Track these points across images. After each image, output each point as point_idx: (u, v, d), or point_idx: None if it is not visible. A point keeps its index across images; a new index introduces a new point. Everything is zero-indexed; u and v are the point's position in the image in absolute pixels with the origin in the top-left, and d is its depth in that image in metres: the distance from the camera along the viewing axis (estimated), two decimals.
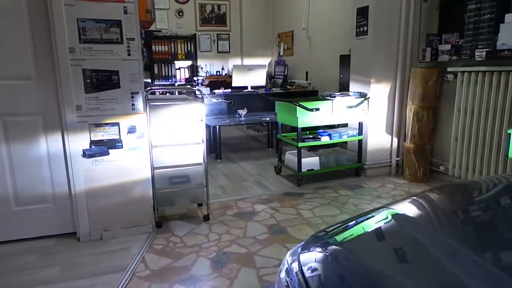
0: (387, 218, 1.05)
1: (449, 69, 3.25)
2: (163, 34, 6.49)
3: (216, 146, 4.55)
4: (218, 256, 2.23)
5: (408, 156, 3.58)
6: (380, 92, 3.64)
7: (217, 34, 7.20)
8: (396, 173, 3.81)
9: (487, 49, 2.79)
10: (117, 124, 2.38)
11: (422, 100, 3.37)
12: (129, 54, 2.32)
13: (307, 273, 0.87)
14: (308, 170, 3.52)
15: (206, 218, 2.74)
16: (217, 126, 4.42)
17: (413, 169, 3.54)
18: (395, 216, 1.05)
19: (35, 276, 2.05)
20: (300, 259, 0.93)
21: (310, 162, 3.54)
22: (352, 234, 1.04)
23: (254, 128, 6.45)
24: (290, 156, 3.68)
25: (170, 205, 2.80)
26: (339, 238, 1.02)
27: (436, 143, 3.56)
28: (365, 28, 3.53)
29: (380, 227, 1.04)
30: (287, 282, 0.92)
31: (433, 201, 1.19)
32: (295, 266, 0.93)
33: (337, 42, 5.03)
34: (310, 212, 2.87)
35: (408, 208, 1.13)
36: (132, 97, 2.39)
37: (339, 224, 1.08)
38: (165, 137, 2.61)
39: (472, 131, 3.07)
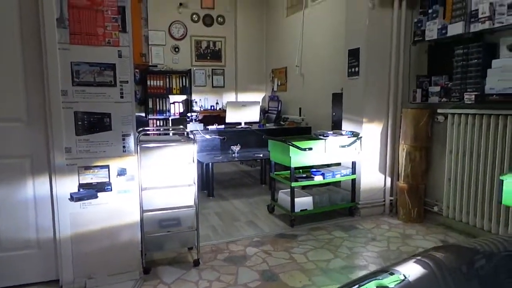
0: None
1: (439, 111, 3.30)
2: (158, 69, 6.58)
3: (209, 183, 4.50)
4: None
5: (401, 196, 3.55)
6: (372, 132, 3.66)
7: (212, 69, 7.32)
8: (390, 213, 3.76)
9: (476, 93, 2.84)
10: (107, 166, 2.35)
11: (414, 140, 3.39)
12: (122, 97, 2.32)
13: None
14: (301, 210, 3.47)
15: (196, 263, 2.65)
16: (210, 163, 4.38)
17: (407, 209, 3.51)
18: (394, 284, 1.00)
19: None
20: None
21: (304, 202, 3.50)
22: None
23: (247, 163, 6.42)
24: (283, 195, 3.63)
25: (159, 249, 2.71)
26: None
27: (429, 183, 3.55)
28: (356, 69, 3.61)
29: None
30: None
31: (439, 262, 1.14)
32: None
33: (329, 80, 5.12)
34: (303, 257, 2.80)
35: (412, 271, 1.08)
36: (124, 139, 2.36)
37: None
38: (156, 179, 2.57)
39: (464, 173, 3.07)
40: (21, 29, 2.16)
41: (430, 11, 3.20)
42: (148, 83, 6.39)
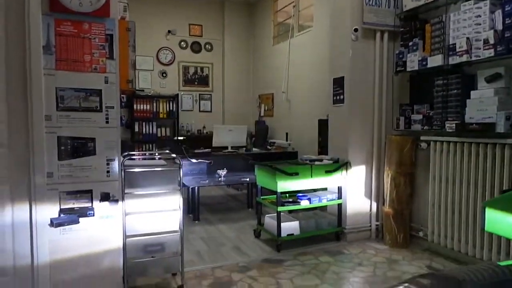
0: None
1: (422, 138, 3.38)
2: (145, 93, 6.61)
3: (195, 207, 4.44)
4: None
5: (387, 221, 3.57)
6: (358, 157, 3.71)
7: (200, 94, 7.39)
8: (377, 238, 3.77)
9: (456, 122, 2.93)
10: (90, 191, 2.30)
11: (399, 166, 3.45)
12: (107, 122, 2.31)
13: None
14: (288, 235, 3.44)
15: None
16: (196, 187, 4.35)
17: (393, 234, 3.52)
18: None
19: None
20: None
21: (290, 226, 3.48)
22: None
23: (234, 187, 6.38)
24: (269, 220, 3.61)
25: (143, 274, 2.64)
26: None
27: (414, 208, 3.59)
28: (341, 97, 3.69)
29: None
30: None
31: None
32: None
33: (315, 106, 5.22)
34: (289, 282, 2.75)
35: None
36: (108, 164, 2.33)
37: None
38: (140, 203, 2.53)
39: (448, 198, 3.12)
40: (6, 53, 2.14)
41: (410, 43, 3.33)
42: (135, 107, 6.40)
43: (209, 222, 4.35)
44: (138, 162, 2.84)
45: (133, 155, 2.66)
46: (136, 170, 2.52)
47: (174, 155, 2.69)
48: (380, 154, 3.71)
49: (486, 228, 2.23)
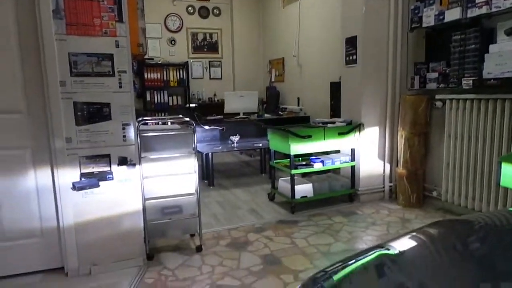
0: (385, 257, 1.03)
1: (437, 97, 3.31)
2: (155, 62, 6.56)
3: (209, 173, 4.52)
4: None
5: (401, 182, 3.58)
6: (371, 119, 3.68)
7: (209, 61, 7.31)
8: (390, 199, 3.80)
9: (473, 78, 2.85)
10: (108, 156, 2.36)
11: (413, 126, 3.41)
12: (120, 86, 2.33)
13: None
14: (301, 197, 3.50)
15: (199, 249, 2.68)
16: (210, 153, 4.40)
17: (406, 194, 3.54)
18: (393, 256, 1.03)
19: None
20: None
21: (304, 189, 3.53)
22: (352, 275, 1.02)
23: (247, 153, 6.44)
24: (283, 183, 3.66)
25: (162, 236, 2.74)
26: (337, 278, 1.00)
27: (428, 169, 3.58)
28: (354, 57, 3.61)
29: (377, 268, 1.02)
30: None
31: (432, 237, 1.18)
32: None
33: (327, 69, 5.12)
34: (304, 241, 2.83)
35: (407, 246, 1.11)
36: (124, 128, 2.38)
37: (337, 264, 1.06)
38: (157, 167, 2.59)
39: (463, 157, 3.10)
40: (17, 21, 2.15)
41: None
42: (146, 76, 6.38)
43: (224, 187, 4.44)
44: (153, 127, 2.88)
45: (148, 120, 2.69)
46: (152, 134, 2.56)
47: (187, 119, 2.71)
48: (394, 115, 3.67)
49: (501, 183, 2.22)
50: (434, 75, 3.25)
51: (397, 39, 3.55)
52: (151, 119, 2.89)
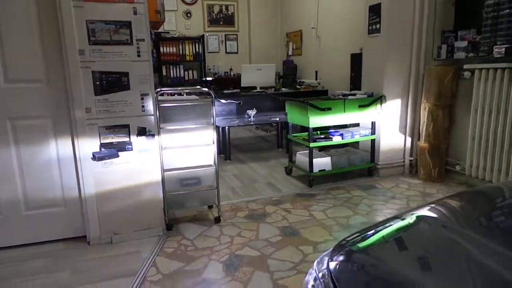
0: (414, 220, 1.00)
1: (465, 67, 3.16)
2: (171, 35, 6.47)
3: (226, 147, 4.51)
4: (230, 260, 2.19)
5: (422, 156, 3.49)
6: (393, 91, 3.56)
7: (225, 34, 7.17)
8: (410, 173, 3.72)
9: (506, 45, 2.70)
10: (127, 126, 2.35)
11: (438, 98, 3.28)
12: (138, 55, 2.29)
13: (338, 282, 0.83)
14: (319, 170, 3.45)
15: (217, 220, 2.70)
16: (227, 127, 4.37)
17: (427, 168, 3.46)
18: (422, 218, 1.00)
19: (45, 281, 2.03)
20: (330, 267, 0.89)
21: (322, 162, 3.48)
22: (380, 240, 0.99)
23: (263, 129, 6.39)
24: (301, 157, 3.62)
25: (181, 207, 2.76)
26: (366, 244, 0.97)
27: (451, 142, 3.47)
28: (377, 26, 3.46)
29: (409, 230, 0.99)
30: None
31: (455, 207, 1.14)
32: (324, 275, 0.88)
33: (347, 40, 4.95)
34: (322, 214, 2.81)
35: (432, 213, 1.08)
36: (142, 98, 2.35)
37: (366, 230, 1.03)
38: (175, 138, 2.57)
39: (490, 130, 2.98)
40: None
41: None
42: (161, 50, 6.32)
43: (241, 161, 4.43)
44: (171, 98, 2.85)
45: (166, 91, 2.66)
46: (170, 105, 2.53)
47: (205, 89, 2.66)
48: (418, 87, 3.54)
49: None
50: (463, 43, 3.09)
51: (424, 6, 3.36)
52: (170, 90, 2.85)
